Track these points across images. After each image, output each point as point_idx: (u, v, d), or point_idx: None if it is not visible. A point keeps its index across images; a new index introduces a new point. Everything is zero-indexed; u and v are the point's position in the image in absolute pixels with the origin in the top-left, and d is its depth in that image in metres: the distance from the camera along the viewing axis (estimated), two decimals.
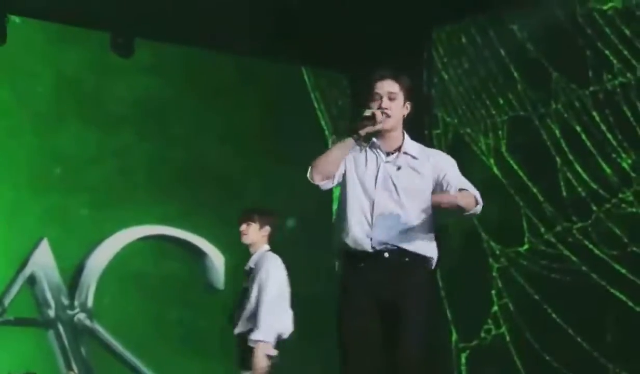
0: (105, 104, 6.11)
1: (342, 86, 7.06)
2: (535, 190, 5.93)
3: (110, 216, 6.03)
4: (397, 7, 6.03)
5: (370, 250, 3.56)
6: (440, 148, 6.20)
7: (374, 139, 3.63)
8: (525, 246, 5.91)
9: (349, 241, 3.59)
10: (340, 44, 6.35)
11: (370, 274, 3.58)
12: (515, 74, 5.98)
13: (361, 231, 3.58)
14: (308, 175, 3.59)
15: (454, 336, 6.19)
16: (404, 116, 3.64)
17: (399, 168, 3.61)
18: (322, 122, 7.05)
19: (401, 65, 6.13)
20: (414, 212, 3.58)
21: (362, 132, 3.51)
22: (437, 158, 3.68)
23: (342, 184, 3.66)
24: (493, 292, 6.01)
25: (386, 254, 3.57)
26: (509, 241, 5.98)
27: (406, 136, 3.70)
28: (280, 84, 6.70)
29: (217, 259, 6.27)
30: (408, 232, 3.58)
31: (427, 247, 3.62)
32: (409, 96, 3.65)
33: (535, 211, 5.88)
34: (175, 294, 6.10)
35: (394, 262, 3.56)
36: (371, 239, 3.57)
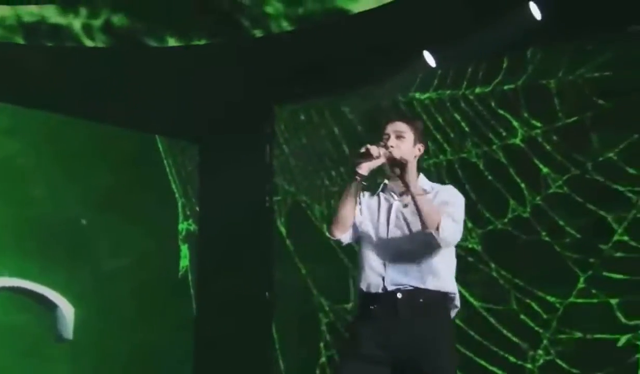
0: None
1: (192, 154, 7.53)
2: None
3: None
4: (243, 85, 6.58)
5: (381, 291, 3.33)
6: (279, 214, 6.84)
7: (386, 181, 3.51)
8: (350, 303, 6.48)
9: (363, 285, 3.40)
10: (192, 114, 6.82)
11: (383, 319, 3.31)
12: (346, 150, 6.58)
13: (374, 273, 3.38)
14: (328, 233, 3.46)
15: None
16: (415, 156, 3.48)
17: (406, 205, 3.44)
18: (173, 186, 7.50)
19: (246, 137, 6.85)
20: (429, 247, 3.37)
21: (362, 171, 3.34)
22: (442, 190, 3.53)
23: (359, 234, 3.48)
24: (322, 344, 6.52)
25: (399, 295, 3.32)
26: (337, 297, 6.50)
27: (422, 176, 3.54)
28: (135, 150, 7.06)
29: (67, 310, 6.52)
30: (423, 269, 3.36)
31: (444, 283, 3.38)
32: (420, 137, 3.50)
33: None
34: (25, 344, 6.30)
35: (408, 303, 3.30)
36: (383, 280, 3.36)
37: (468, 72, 6.24)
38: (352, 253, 6.72)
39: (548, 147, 6.01)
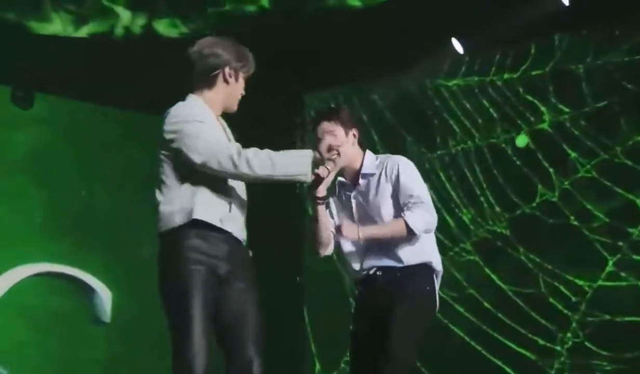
0: (4, 153, 6.45)
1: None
2: None
3: (4, 255, 6.33)
4: (273, 74, 6.67)
5: (365, 275, 3.61)
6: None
7: (339, 178, 3.68)
8: None
9: (348, 275, 3.78)
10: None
11: (367, 298, 3.65)
12: (375, 137, 6.62)
13: (356, 262, 3.66)
14: (313, 254, 3.64)
15: (317, 367, 6.80)
16: (353, 143, 3.64)
17: (363, 192, 3.63)
18: None
19: (277, 125, 6.89)
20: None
21: (321, 194, 3.49)
22: (389, 165, 3.65)
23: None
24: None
25: (379, 272, 3.60)
26: None
27: (366, 155, 3.70)
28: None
29: (104, 295, 6.63)
30: (393, 246, 3.58)
31: (418, 255, 3.60)
32: (349, 124, 3.64)
33: None
34: (63, 327, 6.42)
35: (387, 278, 3.56)
36: (361, 265, 3.65)
37: (496, 58, 6.26)
38: None
39: (576, 132, 6.03)
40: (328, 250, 3.66)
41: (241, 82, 3.36)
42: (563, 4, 5.64)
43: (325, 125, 3.64)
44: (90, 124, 6.71)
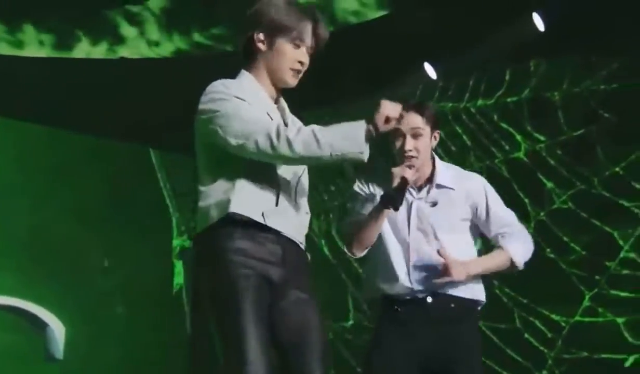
0: None
1: (189, 167, 7.42)
2: (360, 270, 6.47)
3: None
4: None
5: (409, 295, 3.14)
6: None
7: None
8: (350, 322, 6.43)
9: (385, 286, 3.18)
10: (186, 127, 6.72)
11: (411, 324, 3.16)
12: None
13: (398, 274, 3.17)
14: (346, 249, 3.25)
15: None
16: (432, 148, 3.26)
17: (433, 204, 3.21)
18: (168, 201, 7.38)
19: None
20: (457, 252, 3.16)
21: (400, 204, 3.07)
22: (471, 185, 3.28)
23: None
24: None
25: (429, 299, 3.14)
26: (335, 316, 6.45)
27: (437, 162, 3.28)
28: (128, 162, 6.99)
29: (57, 329, 6.40)
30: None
31: (474, 290, 3.21)
32: (435, 124, 3.25)
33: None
34: (13, 365, 6.18)
35: (439, 309, 3.13)
36: (411, 282, 3.15)
37: (470, 84, 6.14)
38: (350, 267, 6.66)
39: (552, 161, 5.90)
40: (363, 253, 3.23)
41: (285, 49, 2.75)
42: (538, 31, 5.52)
43: (415, 120, 3.19)
44: (42, 148, 6.49)
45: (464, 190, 3.25)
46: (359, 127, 2.58)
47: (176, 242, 7.24)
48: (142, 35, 6.02)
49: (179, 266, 7.19)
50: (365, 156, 2.56)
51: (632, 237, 5.62)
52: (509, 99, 6.07)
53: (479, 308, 3.28)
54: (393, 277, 3.18)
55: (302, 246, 2.76)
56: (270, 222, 2.67)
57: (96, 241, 6.61)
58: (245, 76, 2.78)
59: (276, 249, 2.67)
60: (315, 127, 2.60)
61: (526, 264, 3.34)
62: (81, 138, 6.66)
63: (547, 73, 5.93)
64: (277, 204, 2.69)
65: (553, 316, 5.78)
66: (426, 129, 3.21)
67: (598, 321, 5.68)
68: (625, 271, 5.61)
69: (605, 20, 5.40)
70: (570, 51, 5.84)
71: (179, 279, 7.15)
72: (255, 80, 2.78)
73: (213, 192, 2.68)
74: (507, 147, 6.05)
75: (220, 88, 2.70)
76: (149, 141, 7.14)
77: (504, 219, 3.26)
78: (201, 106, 2.71)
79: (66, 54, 5.94)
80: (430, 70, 6.00)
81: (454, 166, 3.39)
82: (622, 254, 5.62)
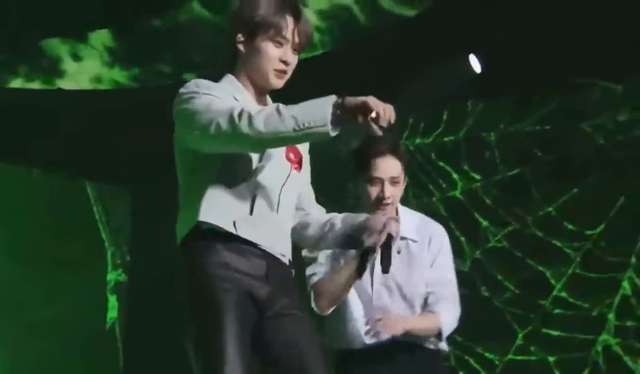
0: None
1: (125, 199, 7.33)
2: None
3: None
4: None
5: (372, 345, 3.00)
6: None
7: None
8: None
9: (344, 341, 3.05)
10: (123, 160, 6.66)
11: (374, 367, 3.01)
12: None
13: (359, 326, 3.03)
14: (313, 305, 2.98)
15: None
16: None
17: (398, 251, 3.03)
18: (103, 234, 7.27)
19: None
20: (421, 305, 3.07)
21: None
22: (433, 239, 3.13)
23: None
24: None
25: (393, 348, 3.01)
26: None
27: (400, 209, 3.11)
28: (63, 195, 6.89)
29: None
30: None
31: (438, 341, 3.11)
32: (408, 166, 3.11)
33: None
34: None
35: (405, 359, 3.04)
36: (370, 334, 3.00)
37: (408, 123, 6.19)
38: None
39: (488, 200, 5.97)
40: (331, 310, 2.99)
41: (265, 48, 2.55)
42: (475, 72, 5.61)
43: (396, 168, 3.00)
44: None
45: (427, 239, 3.13)
46: (326, 101, 2.34)
47: (111, 276, 7.13)
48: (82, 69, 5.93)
49: (112, 300, 7.07)
50: (331, 132, 2.29)
51: (564, 277, 5.70)
52: (446, 139, 6.14)
53: (444, 357, 3.25)
54: (354, 331, 3.07)
55: (285, 260, 2.55)
56: (243, 233, 2.45)
57: (29, 276, 6.48)
58: (228, 79, 2.61)
59: (260, 263, 2.46)
60: (281, 104, 2.40)
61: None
62: (15, 170, 6.54)
63: (484, 113, 6.01)
64: (251, 212, 2.47)
65: (487, 355, 5.81)
66: (402, 176, 3.08)
67: (530, 360, 5.72)
68: (557, 310, 5.67)
69: (540, 62, 5.51)
70: (506, 92, 5.94)
71: (112, 313, 7.03)
72: (237, 82, 2.61)
73: (185, 202, 2.52)
74: (444, 186, 6.11)
75: (192, 87, 2.50)
76: (84, 174, 7.05)
77: (447, 280, 3.15)
78: (173, 108, 2.52)
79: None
80: None
81: (415, 212, 3.26)
82: (554, 293, 5.69)
